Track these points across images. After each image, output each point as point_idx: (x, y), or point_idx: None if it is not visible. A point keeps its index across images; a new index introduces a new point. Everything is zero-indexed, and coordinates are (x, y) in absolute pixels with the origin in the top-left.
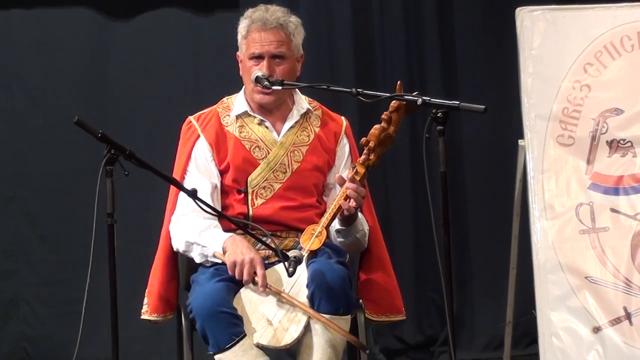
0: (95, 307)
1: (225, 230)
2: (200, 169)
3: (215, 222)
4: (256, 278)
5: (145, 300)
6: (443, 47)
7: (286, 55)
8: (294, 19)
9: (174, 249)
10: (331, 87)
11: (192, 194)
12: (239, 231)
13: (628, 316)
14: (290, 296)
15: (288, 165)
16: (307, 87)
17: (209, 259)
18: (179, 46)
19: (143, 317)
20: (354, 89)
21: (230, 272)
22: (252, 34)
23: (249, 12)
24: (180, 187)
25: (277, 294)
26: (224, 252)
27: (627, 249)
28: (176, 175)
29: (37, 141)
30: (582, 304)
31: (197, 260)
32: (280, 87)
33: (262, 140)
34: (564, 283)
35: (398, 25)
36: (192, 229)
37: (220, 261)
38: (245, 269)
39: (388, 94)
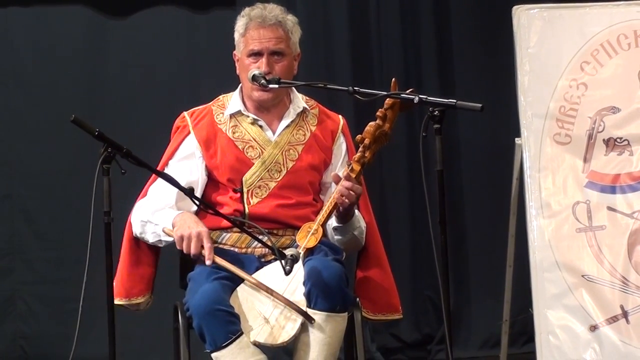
0: (92, 305)
1: (220, 227)
2: (182, 164)
3: (172, 204)
4: (203, 252)
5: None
6: (439, 45)
7: (285, 52)
8: (291, 17)
9: (134, 234)
10: (328, 86)
11: (189, 192)
12: (235, 229)
13: (625, 314)
14: (275, 292)
15: (283, 164)
16: (304, 86)
17: (161, 238)
18: (176, 43)
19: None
20: (350, 87)
21: (178, 247)
22: (250, 31)
23: (246, 10)
24: (177, 185)
25: (260, 288)
26: (174, 228)
27: (624, 247)
28: (159, 167)
29: (34, 139)
30: (579, 302)
31: (150, 240)
32: (277, 86)
33: (255, 140)
34: (561, 281)
35: (394, 24)
36: (147, 209)
37: (170, 239)
38: (192, 242)
39: (384, 92)
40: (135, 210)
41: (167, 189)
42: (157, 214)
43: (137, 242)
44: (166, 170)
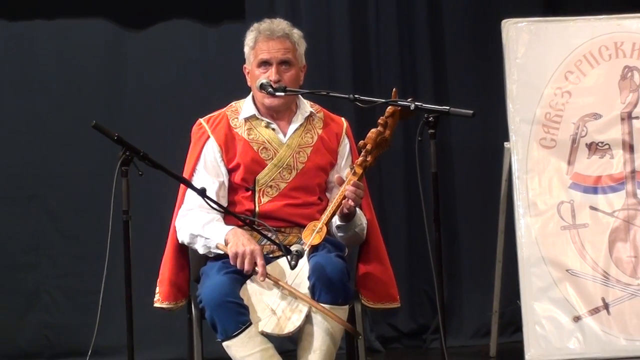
0: (112, 298)
1: (232, 226)
2: (208, 168)
3: (218, 216)
4: (256, 268)
5: (157, 290)
6: (434, 57)
7: (292, 62)
8: (297, 31)
9: (180, 242)
10: (330, 94)
11: (201, 192)
12: (246, 227)
13: (606, 306)
14: (290, 287)
15: (293, 166)
16: (308, 94)
17: (212, 250)
18: (189, 54)
19: (155, 305)
20: (351, 95)
21: (232, 262)
22: (259, 43)
23: (255, 25)
24: (190, 186)
25: (280, 285)
26: (226, 244)
27: (605, 244)
28: (186, 173)
29: (57, 143)
30: (563, 295)
31: (201, 251)
32: (283, 94)
33: (269, 142)
34: (547, 275)
35: (392, 37)
36: (197, 222)
37: (222, 252)
38: (246, 259)
39: (383, 100)
40: (181, 221)
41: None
42: (207, 228)
43: (181, 248)
44: (195, 176)
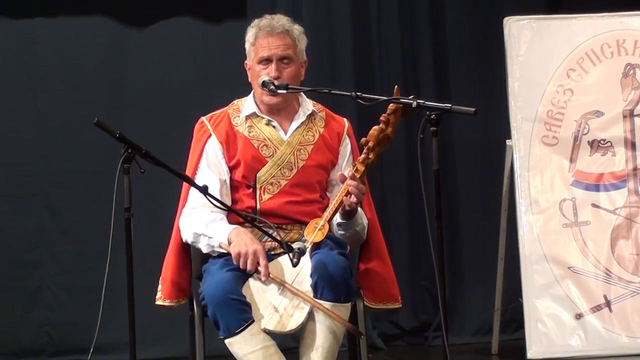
0: (114, 295)
1: (234, 223)
2: (210, 166)
3: (221, 215)
4: (259, 268)
5: (159, 287)
6: (436, 55)
7: (292, 58)
8: (297, 27)
9: (183, 240)
10: (333, 91)
11: (204, 189)
12: (247, 224)
13: (608, 304)
14: (293, 287)
15: (294, 163)
16: (310, 91)
17: (215, 249)
18: (191, 52)
19: (157, 302)
20: (353, 93)
21: (234, 262)
22: (260, 40)
23: (255, 21)
24: (192, 184)
25: (282, 284)
26: (229, 243)
27: (607, 241)
28: (189, 171)
29: (59, 141)
30: (565, 293)
31: (204, 250)
32: (285, 91)
33: (269, 139)
34: (549, 273)
35: (394, 34)
36: (200, 221)
37: (225, 251)
38: (249, 259)
39: (385, 97)
40: (185, 220)
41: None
42: (211, 227)
43: (184, 247)
44: (198, 174)
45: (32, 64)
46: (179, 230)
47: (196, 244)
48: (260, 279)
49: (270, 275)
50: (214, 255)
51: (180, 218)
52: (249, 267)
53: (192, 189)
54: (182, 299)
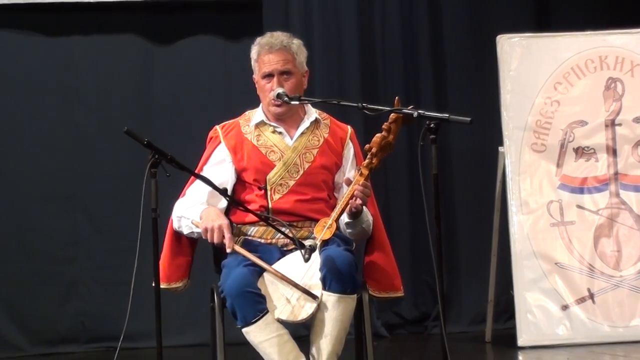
0: (142, 288)
1: (249, 222)
2: (213, 170)
3: (203, 202)
4: (224, 241)
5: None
6: (435, 70)
7: (292, 71)
8: (296, 41)
9: (174, 228)
10: (341, 102)
11: (223, 191)
12: (261, 223)
13: (591, 296)
14: (270, 267)
15: (300, 165)
16: (321, 102)
17: (192, 229)
18: (212, 67)
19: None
20: (359, 104)
21: (203, 237)
22: (261, 56)
23: (257, 39)
24: (214, 187)
25: (246, 257)
26: (201, 220)
27: (591, 239)
28: (195, 171)
29: (93, 148)
30: (552, 286)
31: (185, 232)
32: (298, 102)
33: (276, 146)
34: (537, 268)
35: (397, 51)
36: (183, 206)
37: (199, 229)
38: (215, 233)
39: (389, 108)
40: (175, 208)
41: (200, 189)
42: (189, 210)
43: (178, 235)
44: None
45: (68, 78)
46: (171, 221)
47: (180, 228)
48: (227, 252)
49: (235, 248)
50: (193, 237)
51: (173, 209)
52: (215, 240)
53: (192, 186)
54: (173, 283)
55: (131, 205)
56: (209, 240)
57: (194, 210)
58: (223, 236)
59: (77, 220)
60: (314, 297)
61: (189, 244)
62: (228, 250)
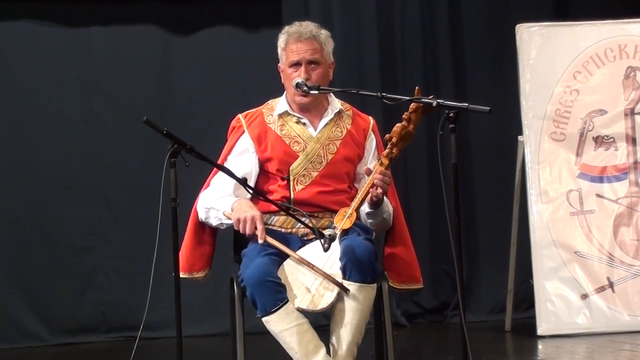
0: (161, 277)
1: (270, 212)
2: (237, 161)
3: (230, 193)
4: (256, 232)
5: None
6: (454, 59)
7: (320, 61)
8: (324, 32)
9: (199, 219)
10: (360, 92)
11: (243, 181)
12: (282, 213)
13: (611, 285)
14: (297, 254)
15: (324, 157)
16: (340, 92)
17: (222, 221)
18: (231, 57)
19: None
20: (379, 93)
21: (235, 228)
22: (290, 45)
23: (285, 28)
24: (233, 176)
25: (277, 247)
26: (232, 212)
27: (610, 228)
28: (219, 161)
29: (113, 138)
30: (572, 275)
31: (214, 223)
32: (317, 92)
33: (299, 136)
34: (557, 257)
35: (416, 40)
36: (211, 197)
37: (230, 222)
38: (247, 224)
39: (408, 97)
40: (200, 199)
41: (226, 180)
42: (219, 201)
43: (200, 225)
44: (225, 164)
45: (88, 69)
46: (196, 211)
47: (208, 219)
48: (258, 242)
49: (267, 239)
50: (222, 228)
51: (198, 200)
52: (247, 231)
53: (217, 177)
54: (195, 272)
55: (150, 195)
56: (241, 231)
57: (224, 202)
58: (255, 227)
59: (96, 210)
60: (345, 290)
61: (211, 234)
62: (260, 242)
